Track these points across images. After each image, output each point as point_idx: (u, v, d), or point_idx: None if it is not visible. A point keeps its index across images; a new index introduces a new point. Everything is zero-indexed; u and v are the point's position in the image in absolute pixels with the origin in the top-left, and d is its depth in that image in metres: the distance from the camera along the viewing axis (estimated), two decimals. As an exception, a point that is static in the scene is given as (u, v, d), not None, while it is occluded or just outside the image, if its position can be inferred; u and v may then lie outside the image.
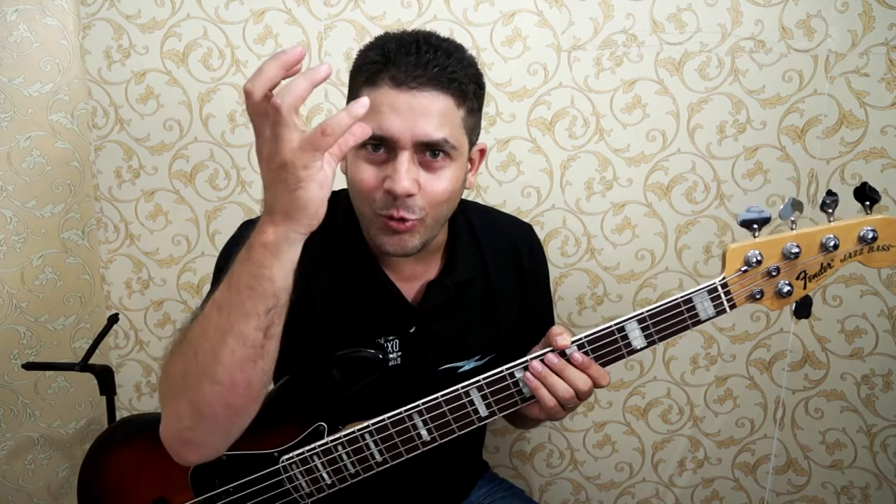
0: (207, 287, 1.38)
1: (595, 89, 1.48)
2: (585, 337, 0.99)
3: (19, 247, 1.52)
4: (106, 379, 1.47)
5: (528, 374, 1.00)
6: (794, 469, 1.61)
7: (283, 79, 0.74)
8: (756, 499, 1.66)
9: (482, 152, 1.13)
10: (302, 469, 1.05)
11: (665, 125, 1.49)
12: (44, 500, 1.66)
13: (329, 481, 1.05)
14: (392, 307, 1.12)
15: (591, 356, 1.00)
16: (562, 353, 0.99)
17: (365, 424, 1.03)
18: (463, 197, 1.15)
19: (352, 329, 1.11)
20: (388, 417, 1.02)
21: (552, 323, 1.27)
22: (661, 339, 0.99)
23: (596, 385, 1.00)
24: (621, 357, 1.00)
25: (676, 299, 0.98)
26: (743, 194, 1.50)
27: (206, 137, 1.58)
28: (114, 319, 1.52)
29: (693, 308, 0.98)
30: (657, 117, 1.48)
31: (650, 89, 1.47)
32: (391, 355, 1.12)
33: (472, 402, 1.02)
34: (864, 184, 0.95)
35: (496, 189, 1.56)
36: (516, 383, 1.01)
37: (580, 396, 1.00)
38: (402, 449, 1.03)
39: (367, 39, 1.06)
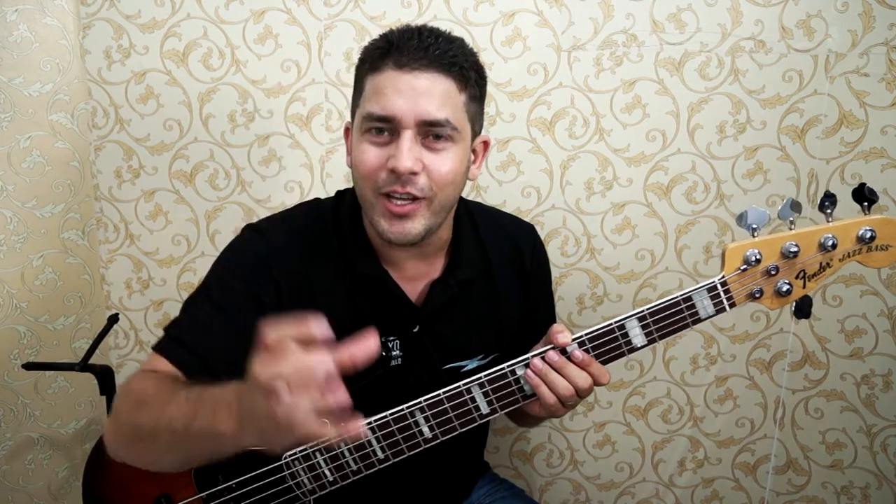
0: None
1: (595, 89, 1.49)
2: (586, 335, 1.00)
3: (19, 247, 1.52)
4: (106, 379, 1.47)
5: (528, 371, 1.00)
6: (794, 469, 1.61)
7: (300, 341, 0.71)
8: (756, 499, 1.66)
9: (486, 144, 1.14)
10: (304, 465, 1.05)
11: (665, 125, 1.49)
12: (44, 500, 1.66)
13: (331, 478, 1.05)
14: (395, 307, 1.12)
15: (592, 354, 1.00)
16: (563, 351, 0.99)
17: (367, 421, 1.03)
18: (464, 196, 1.15)
19: (354, 329, 1.11)
20: (391, 414, 1.02)
21: (553, 322, 1.28)
22: (661, 338, 1.00)
23: (596, 383, 1.00)
24: (622, 355, 1.01)
25: (676, 297, 0.98)
26: (743, 194, 1.50)
27: (206, 137, 1.58)
28: (114, 319, 1.52)
29: (693, 306, 0.98)
30: (657, 117, 1.48)
31: (650, 89, 1.47)
32: (394, 353, 1.12)
33: (473, 399, 1.02)
34: (863, 185, 0.96)
35: (496, 189, 1.56)
36: (517, 380, 1.02)
37: (580, 394, 1.00)
38: (403, 446, 1.03)
39: (367, 39, 1.07)
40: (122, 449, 0.98)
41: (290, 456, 1.05)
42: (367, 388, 1.06)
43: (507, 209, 1.54)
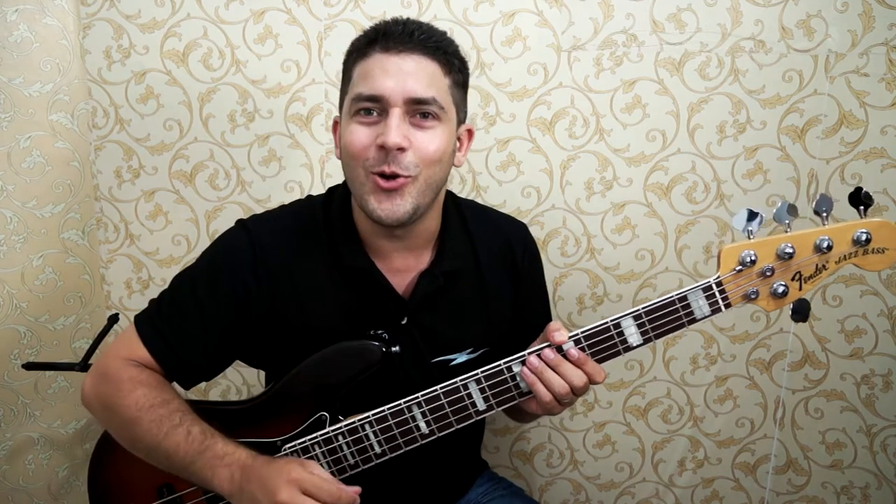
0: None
1: (595, 89, 1.48)
2: (582, 333, 1.00)
3: (19, 247, 1.53)
4: (106, 378, 1.47)
5: (524, 368, 1.01)
6: (794, 469, 1.61)
7: None
8: (756, 499, 1.66)
9: (470, 133, 1.16)
10: (303, 459, 1.06)
11: (665, 125, 1.49)
12: (44, 500, 1.66)
13: (328, 472, 1.06)
14: (383, 299, 1.13)
15: (588, 352, 1.01)
16: (559, 349, 1.00)
17: (365, 415, 1.04)
18: (463, 196, 1.15)
19: (343, 322, 1.12)
20: (388, 409, 1.03)
21: (549, 320, 1.28)
22: (657, 337, 1.00)
23: (591, 381, 1.01)
24: (617, 354, 1.01)
25: (672, 297, 0.99)
26: (743, 194, 1.50)
27: (206, 137, 1.58)
28: (114, 319, 1.52)
29: (688, 306, 0.99)
30: (657, 117, 1.48)
31: (650, 89, 1.47)
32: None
33: (469, 396, 1.03)
34: (859, 189, 0.96)
35: (496, 189, 1.56)
36: (514, 377, 1.02)
37: (576, 392, 1.00)
38: (400, 441, 1.04)
39: (367, 39, 1.08)
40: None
41: (290, 448, 1.07)
42: (363, 381, 1.07)
43: (507, 209, 1.54)
